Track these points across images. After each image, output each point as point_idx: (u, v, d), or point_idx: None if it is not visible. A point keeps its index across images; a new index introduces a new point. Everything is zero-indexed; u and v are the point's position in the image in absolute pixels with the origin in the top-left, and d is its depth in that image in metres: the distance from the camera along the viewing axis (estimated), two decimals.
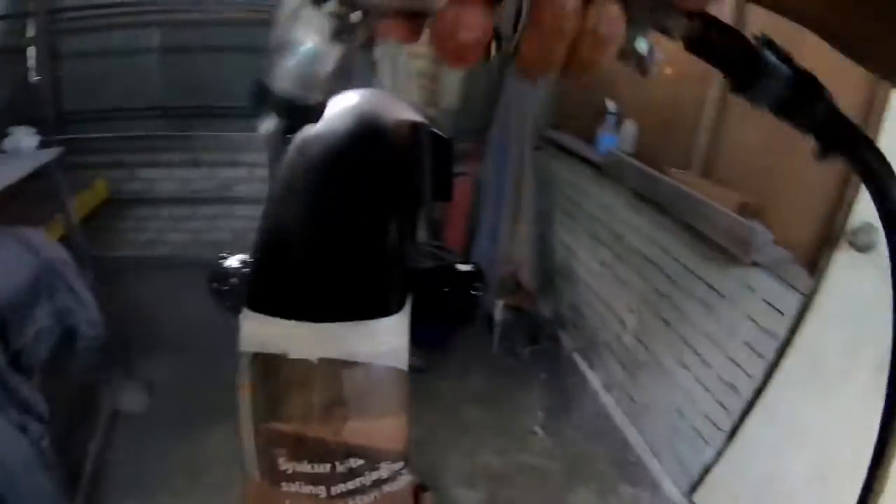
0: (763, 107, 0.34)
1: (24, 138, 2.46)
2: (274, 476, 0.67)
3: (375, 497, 0.73)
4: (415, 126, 1.03)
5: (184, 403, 2.86)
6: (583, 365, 2.85)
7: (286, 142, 0.97)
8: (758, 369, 1.92)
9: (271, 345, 0.68)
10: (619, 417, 2.54)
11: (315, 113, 0.43)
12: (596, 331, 2.80)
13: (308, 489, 0.68)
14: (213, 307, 0.83)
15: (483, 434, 2.71)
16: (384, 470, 0.72)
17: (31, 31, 2.19)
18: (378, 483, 0.72)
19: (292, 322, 0.67)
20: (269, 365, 0.68)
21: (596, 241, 2.83)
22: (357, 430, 0.68)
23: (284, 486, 0.67)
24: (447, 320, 0.96)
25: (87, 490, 2.29)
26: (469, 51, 0.33)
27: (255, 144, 3.64)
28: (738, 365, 1.98)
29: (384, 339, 0.71)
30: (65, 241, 2.48)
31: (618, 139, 2.64)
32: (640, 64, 0.34)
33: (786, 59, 0.34)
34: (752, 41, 0.34)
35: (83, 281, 2.31)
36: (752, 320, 1.94)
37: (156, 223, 3.83)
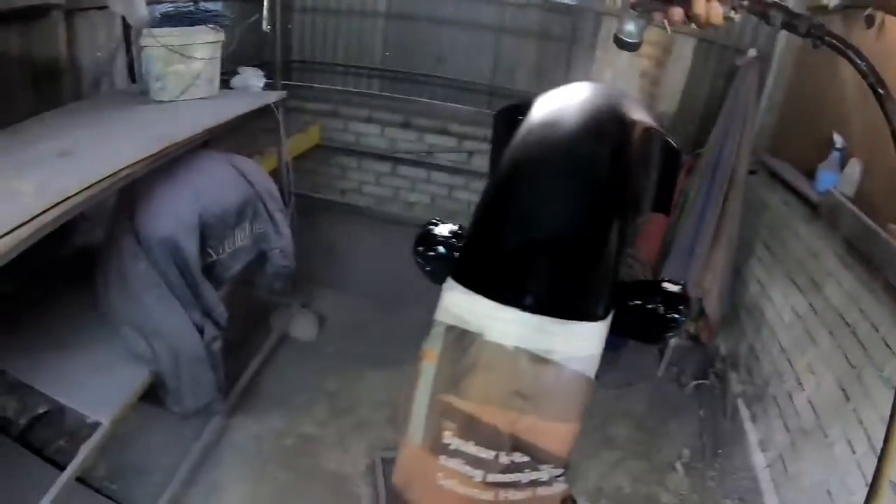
0: None
1: (252, 78, 2.83)
2: (436, 447, 0.85)
3: (528, 496, 0.88)
4: (651, 133, 1.14)
5: (347, 344, 3.27)
6: (745, 413, 2.74)
7: (511, 124, 1.12)
8: None
9: (470, 321, 0.86)
10: (765, 480, 2.46)
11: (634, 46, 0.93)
12: (768, 382, 2.68)
13: (465, 469, 0.85)
14: (400, 263, 1.02)
15: (623, 454, 2.80)
16: (545, 472, 0.88)
17: None
18: (534, 483, 0.88)
19: (497, 304, 0.84)
20: (462, 340, 0.86)
21: (793, 285, 2.68)
22: (532, 428, 0.84)
23: (443, 460, 0.85)
24: (643, 337, 1.03)
25: (239, 395, 2.80)
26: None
27: (467, 117, 3.88)
28: None
29: (583, 344, 0.86)
30: (274, 175, 2.93)
31: (839, 178, 2.43)
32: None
33: None
34: None
35: (284, 214, 2.73)
36: None
37: (358, 174, 4.34)
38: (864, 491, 1.87)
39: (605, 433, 2.88)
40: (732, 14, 0.83)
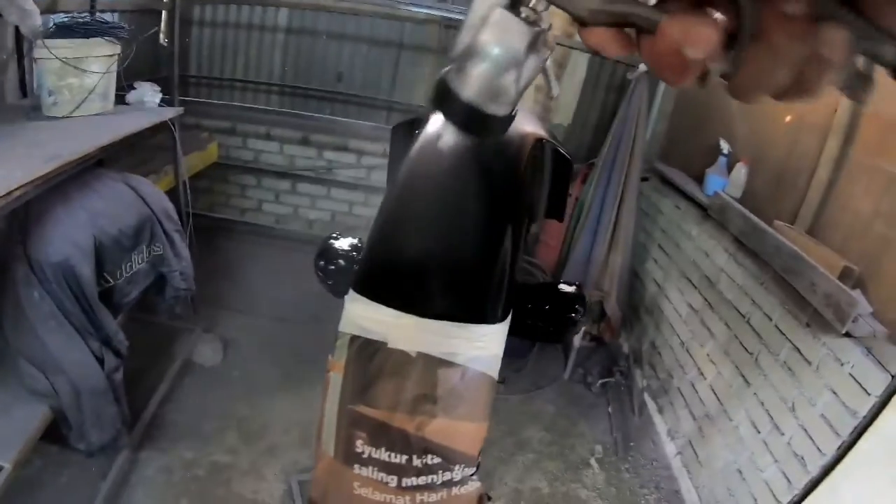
0: None
1: (148, 93, 2.76)
2: (349, 457, 0.86)
3: (442, 496, 0.90)
4: (541, 142, 1.19)
5: (254, 367, 3.20)
6: (652, 407, 2.96)
7: (408, 138, 1.13)
8: (831, 446, 1.98)
9: (373, 330, 0.88)
10: (678, 467, 2.65)
11: (500, 124, 0.51)
12: (672, 375, 2.90)
13: (380, 476, 0.86)
14: (303, 281, 1.03)
15: (538, 456, 2.93)
16: (457, 472, 0.90)
17: None
18: (448, 484, 0.90)
19: (398, 312, 0.87)
20: (366, 349, 0.88)
21: (688, 283, 2.93)
22: (441, 429, 0.86)
23: (357, 469, 0.85)
24: (543, 337, 1.10)
25: (145, 427, 2.68)
26: (691, 68, 0.34)
27: (366, 133, 3.92)
28: (811, 437, 2.05)
29: (484, 346, 0.89)
30: (171, 194, 2.83)
31: (727, 182, 2.71)
32: (854, 91, 0.35)
33: None
34: None
35: (182, 235, 2.66)
36: (834, 393, 2.01)
37: (258, 192, 4.28)
38: (774, 466, 2.09)
39: (518, 437, 3.00)
40: None
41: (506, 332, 0.88)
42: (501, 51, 0.44)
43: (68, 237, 2.10)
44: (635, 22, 0.36)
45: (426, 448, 0.80)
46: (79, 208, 2.17)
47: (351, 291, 0.88)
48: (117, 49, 2.35)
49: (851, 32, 0.31)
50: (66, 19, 2.21)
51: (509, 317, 0.88)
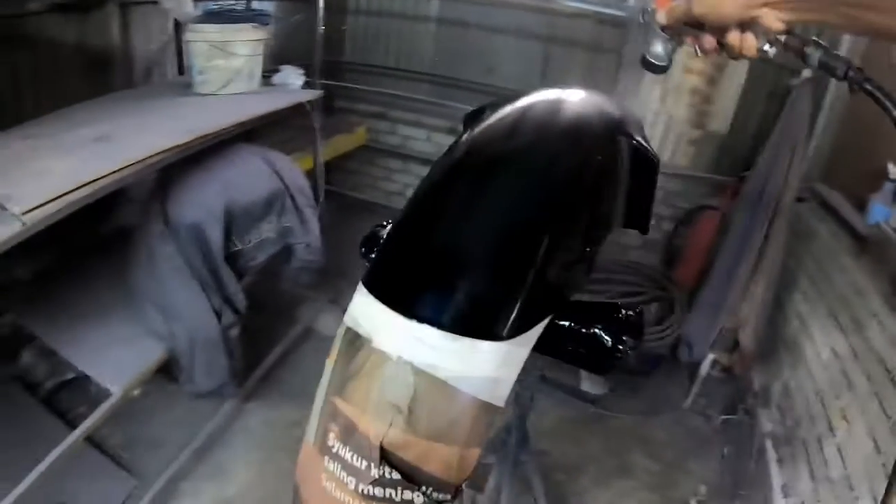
0: None
1: (291, 76, 2.98)
2: (323, 447, 0.86)
3: None
4: (611, 137, 1.09)
5: None
6: (771, 455, 2.65)
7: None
8: None
9: (363, 325, 0.87)
10: None
11: (661, 70, 0.97)
12: (799, 424, 2.58)
13: (342, 475, 0.85)
14: None
15: (637, 485, 2.76)
16: (419, 495, 0.83)
17: None
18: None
19: (387, 309, 0.84)
20: (354, 343, 0.88)
21: (835, 323, 2.57)
22: (404, 444, 0.82)
23: (326, 461, 0.85)
24: (582, 364, 0.99)
25: (257, 382, 2.93)
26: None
27: None
28: None
29: (477, 365, 0.81)
30: (309, 173, 3.06)
31: (892, 212, 2.33)
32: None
33: None
34: None
35: (313, 210, 2.86)
36: None
37: (403, 177, 4.47)
38: None
39: (621, 460, 2.85)
40: (767, 48, 0.83)
41: (516, 354, 0.79)
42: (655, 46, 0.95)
43: (202, 202, 2.37)
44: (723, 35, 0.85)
45: (387, 459, 0.76)
46: (215, 178, 2.44)
47: (359, 284, 0.87)
48: (263, 34, 2.59)
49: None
50: (216, 6, 2.50)
51: (527, 335, 0.80)
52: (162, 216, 2.34)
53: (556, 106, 1.04)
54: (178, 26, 2.69)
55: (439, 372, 0.76)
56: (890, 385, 2.12)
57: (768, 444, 2.75)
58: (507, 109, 1.02)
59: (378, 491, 0.77)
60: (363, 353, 0.81)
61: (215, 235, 2.38)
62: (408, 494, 0.77)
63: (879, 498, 1.96)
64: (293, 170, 2.82)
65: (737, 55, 0.85)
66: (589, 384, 3.17)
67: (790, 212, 2.91)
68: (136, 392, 2.42)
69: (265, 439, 2.68)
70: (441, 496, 0.80)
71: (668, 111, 3.56)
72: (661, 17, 0.91)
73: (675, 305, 3.27)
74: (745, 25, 0.82)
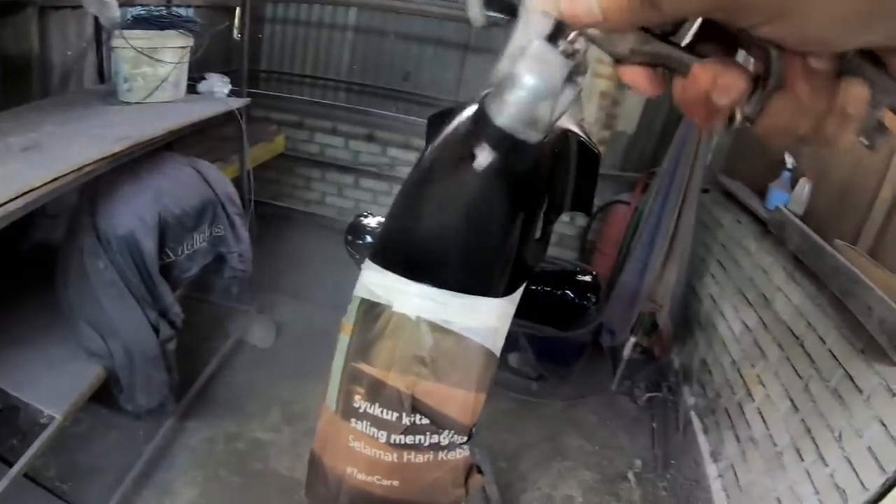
0: None
1: (218, 84, 2.95)
2: (347, 411, 0.92)
3: (429, 459, 0.94)
4: (565, 134, 1.20)
5: (304, 352, 3.35)
6: (697, 425, 2.90)
7: (439, 127, 1.18)
8: (875, 481, 1.90)
9: (380, 295, 0.94)
10: (717, 490, 2.60)
11: (532, 151, 0.56)
12: (720, 394, 2.84)
13: (372, 430, 0.92)
14: (357, 273, 1.08)
15: (574, 465, 2.93)
16: (444, 437, 0.93)
17: None
18: (435, 447, 0.94)
19: (404, 279, 0.92)
20: (373, 312, 0.95)
21: (744, 300, 2.87)
22: (430, 391, 0.91)
23: (353, 422, 0.92)
24: (554, 322, 1.09)
25: (193, 398, 2.87)
26: (719, 114, 0.38)
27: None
28: (855, 470, 1.97)
29: (481, 318, 0.92)
30: (237, 181, 3.02)
31: (789, 197, 2.64)
32: (872, 140, 0.38)
33: None
34: None
35: (243, 219, 2.82)
36: (884, 426, 1.92)
37: (322, 185, 4.48)
38: (814, 498, 2.02)
39: (557, 443, 3.01)
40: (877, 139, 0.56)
41: (508, 309, 0.89)
42: (538, 82, 0.47)
43: (134, 212, 2.29)
44: (668, 64, 0.39)
45: (415, 408, 0.84)
46: (146, 187, 2.37)
47: (366, 261, 0.97)
48: (190, 41, 2.55)
49: (873, 88, 0.34)
50: (142, 11, 2.43)
51: (514, 295, 0.89)
52: (92, 229, 2.24)
53: None
54: (99, 32, 2.58)
55: (453, 325, 0.85)
56: (799, 349, 2.40)
57: (693, 416, 3.01)
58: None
59: (409, 438, 0.85)
60: (384, 318, 0.89)
61: (149, 246, 2.31)
62: (435, 437, 0.87)
63: (800, 450, 2.22)
64: (222, 178, 2.77)
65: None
66: (518, 363, 3.33)
67: (696, 202, 3.20)
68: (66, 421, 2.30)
69: (207, 456, 2.62)
70: (459, 438, 0.89)
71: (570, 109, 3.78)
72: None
73: None
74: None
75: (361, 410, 0.86)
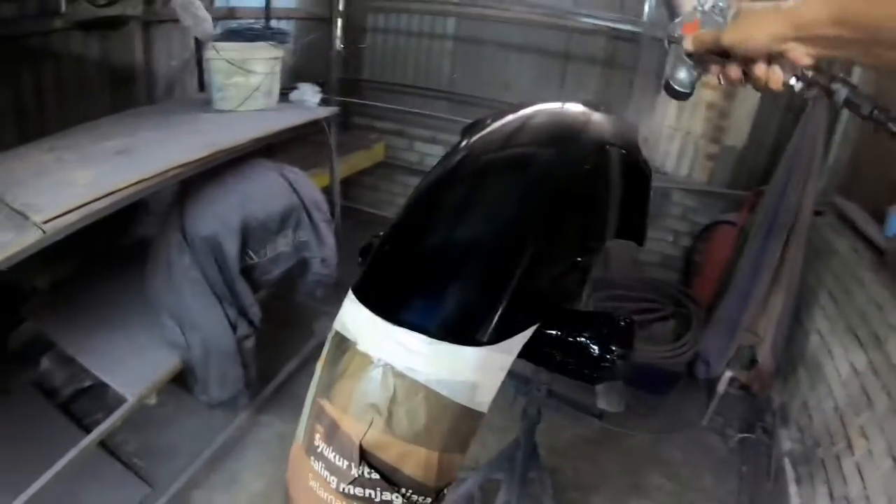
0: None
1: (308, 93, 3.08)
2: (309, 448, 0.89)
3: None
4: (604, 149, 1.11)
5: None
6: (790, 475, 2.62)
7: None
8: None
9: (350, 329, 0.91)
10: None
11: (684, 96, 0.95)
12: (818, 443, 2.55)
13: (326, 474, 0.89)
14: None
15: None
16: (398, 497, 0.86)
17: (340, 5, 2.82)
18: None
19: (372, 315, 0.88)
20: (341, 346, 0.91)
21: (854, 339, 2.54)
22: (382, 444, 0.85)
23: (312, 461, 0.89)
24: (571, 374, 0.96)
25: (271, 394, 2.98)
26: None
27: None
28: None
29: (455, 369, 0.84)
30: (326, 188, 3.14)
31: None
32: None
33: None
34: None
35: (329, 224, 2.91)
36: None
37: None
38: None
39: (636, 479, 2.84)
40: (793, 82, 0.83)
41: (496, 360, 0.82)
42: (681, 71, 0.93)
43: (218, 215, 2.45)
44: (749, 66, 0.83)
45: (364, 459, 0.79)
46: (232, 191, 2.52)
47: (349, 291, 0.90)
48: (280, 52, 2.68)
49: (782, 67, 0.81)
50: (235, 25, 2.60)
51: (508, 343, 0.82)
52: (180, 228, 2.42)
53: (545, 118, 1.09)
54: (199, 44, 2.80)
55: (417, 375, 0.78)
56: None
57: (787, 464, 2.72)
58: (501, 122, 1.07)
59: (358, 490, 0.79)
60: (348, 356, 0.84)
61: (231, 248, 2.45)
62: (387, 495, 0.79)
63: None
64: (309, 185, 2.89)
65: (762, 88, 0.85)
66: (605, 401, 3.16)
67: (808, 226, 2.90)
68: (152, 401, 2.49)
69: (277, 451, 2.72)
70: (421, 499, 0.82)
71: (684, 127, 3.59)
72: (688, 44, 0.89)
73: (692, 322, 3.27)
74: (773, 58, 0.81)
75: (319, 450, 0.83)
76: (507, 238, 0.89)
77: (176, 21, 2.48)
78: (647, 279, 3.75)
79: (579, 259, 1.01)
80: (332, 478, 0.80)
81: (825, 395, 2.68)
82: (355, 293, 0.88)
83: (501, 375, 0.83)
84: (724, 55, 0.85)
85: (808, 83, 0.82)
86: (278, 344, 3.11)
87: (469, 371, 0.79)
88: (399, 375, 0.78)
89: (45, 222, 1.71)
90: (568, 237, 0.98)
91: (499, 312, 0.81)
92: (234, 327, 2.52)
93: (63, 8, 2.20)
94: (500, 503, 2.13)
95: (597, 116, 1.14)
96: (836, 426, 2.50)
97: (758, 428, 2.98)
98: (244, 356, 2.59)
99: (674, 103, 3.58)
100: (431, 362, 0.79)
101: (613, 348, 0.91)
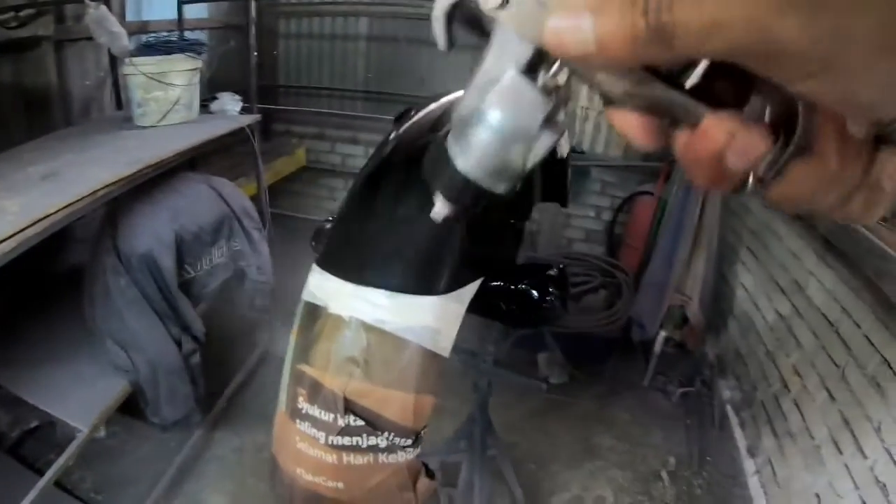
0: None
1: (229, 103, 3.08)
2: (293, 412, 0.97)
3: (369, 461, 0.98)
4: None
5: None
6: (733, 420, 2.86)
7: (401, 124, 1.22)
8: None
9: (319, 297, 1.00)
10: (755, 486, 2.56)
11: (497, 202, 0.44)
12: (756, 387, 2.79)
13: (312, 431, 0.97)
14: None
15: (606, 464, 2.93)
16: (383, 439, 0.96)
17: (252, 12, 2.83)
18: (374, 449, 0.97)
19: (339, 280, 0.98)
20: (312, 314, 1.01)
21: (777, 287, 2.80)
22: (363, 393, 0.95)
23: (298, 423, 0.97)
24: (513, 321, 1.13)
25: (222, 409, 2.99)
26: (729, 178, 0.31)
27: None
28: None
29: (416, 317, 0.94)
30: (254, 197, 3.14)
31: None
32: None
33: None
34: None
35: (261, 232, 2.93)
36: None
37: (344, 195, 4.51)
38: (854, 493, 1.97)
39: (588, 443, 3.00)
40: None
41: (450, 307, 0.92)
42: (510, 122, 0.38)
43: (152, 232, 2.42)
44: (671, 111, 0.32)
45: (349, 409, 0.88)
46: (162, 206, 2.50)
47: (313, 264, 1.00)
48: (198, 63, 2.67)
49: None
50: (150, 39, 2.58)
51: (459, 292, 0.93)
52: (114, 249, 2.38)
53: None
54: (114, 61, 2.74)
55: (386, 325, 0.88)
56: (835, 336, 2.34)
57: (729, 410, 2.95)
58: (425, 111, 1.19)
59: (346, 440, 0.88)
60: (321, 321, 0.94)
61: (168, 263, 2.43)
62: (372, 440, 0.89)
63: (838, 443, 2.16)
64: (238, 194, 2.89)
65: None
66: (548, 373, 3.33)
67: None
68: (101, 433, 2.44)
69: (236, 466, 2.73)
70: (402, 441, 0.91)
71: (596, 106, 3.78)
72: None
73: (623, 289, 3.48)
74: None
75: (304, 411, 0.91)
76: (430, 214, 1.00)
77: (89, 39, 2.43)
78: (574, 253, 3.94)
79: (512, 221, 1.15)
80: (320, 433, 0.89)
81: (756, 343, 2.93)
82: (320, 265, 0.99)
83: (457, 323, 0.93)
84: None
85: None
86: (223, 359, 3.09)
87: (429, 317, 0.90)
88: (369, 328, 0.88)
89: None
90: (497, 204, 1.11)
91: (448, 267, 0.92)
92: (178, 344, 2.51)
93: None
94: (462, 482, 2.22)
95: None
96: (770, 369, 2.74)
97: (697, 381, 3.21)
98: (192, 372, 2.57)
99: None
100: (395, 313, 0.88)
101: (551, 291, 1.05)
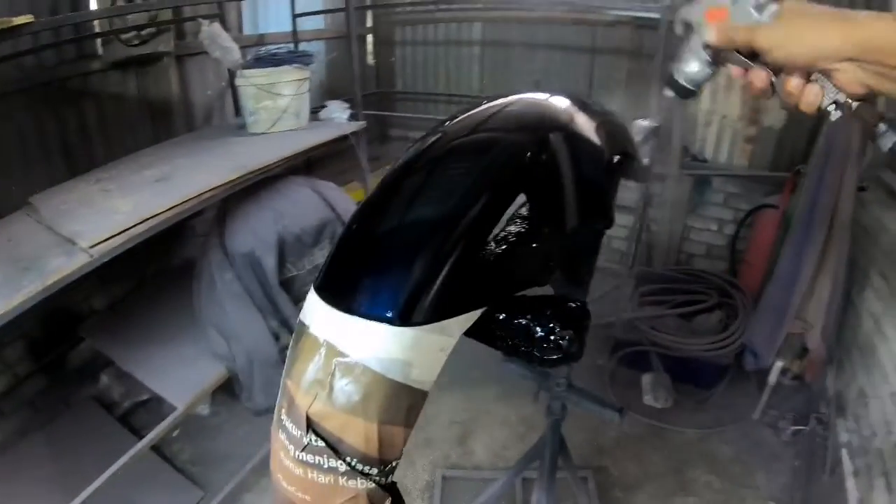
0: None
1: (337, 111, 3.25)
2: (277, 421, 1.02)
3: (330, 481, 1.00)
4: (542, 138, 1.11)
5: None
6: (847, 468, 2.57)
7: None
8: None
9: (306, 314, 1.04)
10: None
11: (691, 94, 0.87)
12: (875, 433, 2.47)
13: (287, 443, 1.01)
14: None
15: (699, 502, 2.74)
16: (342, 464, 0.98)
17: (369, 22, 2.97)
18: (334, 471, 0.99)
19: (321, 301, 1.00)
20: (300, 331, 1.04)
21: None
22: (325, 415, 0.98)
23: (279, 432, 1.02)
24: (518, 354, 1.03)
25: None
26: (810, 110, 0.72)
27: None
28: None
29: (384, 347, 0.94)
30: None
31: None
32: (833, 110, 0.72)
33: None
34: None
35: None
36: None
37: None
38: None
39: (682, 476, 2.82)
40: (831, 109, 0.70)
41: (429, 340, 0.89)
42: (694, 58, 0.82)
43: (256, 232, 2.64)
44: (743, 64, 0.76)
45: (311, 428, 0.87)
46: (267, 209, 2.71)
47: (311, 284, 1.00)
48: (306, 74, 2.87)
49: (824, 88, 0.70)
50: (261, 52, 2.80)
51: (442, 324, 0.89)
52: (221, 246, 2.62)
53: (490, 111, 1.14)
54: (233, 72, 3.02)
55: (352, 353, 0.86)
56: None
57: (844, 455, 2.65)
58: (458, 119, 1.15)
59: (309, 457, 0.89)
60: (303, 339, 0.95)
61: (269, 262, 2.64)
62: (332, 462, 0.88)
63: None
64: (344, 198, 3.04)
65: (790, 105, 0.74)
66: (652, 397, 3.17)
67: (852, 203, 2.81)
68: (205, 411, 2.70)
69: None
70: (367, 468, 0.90)
71: (720, 110, 3.55)
72: (711, 35, 0.78)
73: (739, 311, 3.23)
74: (813, 75, 0.71)
75: (283, 423, 0.94)
76: (429, 229, 0.94)
77: (207, 53, 2.70)
78: (691, 270, 3.72)
79: (534, 245, 1.05)
80: (291, 446, 0.90)
81: (881, 381, 2.61)
82: (314, 285, 1.00)
83: (441, 356, 0.89)
84: (752, 57, 0.74)
85: (849, 115, 0.70)
86: None
87: (397, 350, 0.86)
88: (338, 354, 0.87)
89: (92, 247, 1.93)
90: (505, 229, 1.06)
91: (430, 295, 0.86)
92: (276, 337, 2.70)
93: (99, 50, 2.45)
94: (533, 501, 2.19)
95: (565, 106, 1.16)
96: (893, 413, 2.44)
97: (812, 419, 2.91)
98: None
99: (707, 86, 3.54)
100: (361, 342, 0.86)
101: (554, 328, 0.97)
